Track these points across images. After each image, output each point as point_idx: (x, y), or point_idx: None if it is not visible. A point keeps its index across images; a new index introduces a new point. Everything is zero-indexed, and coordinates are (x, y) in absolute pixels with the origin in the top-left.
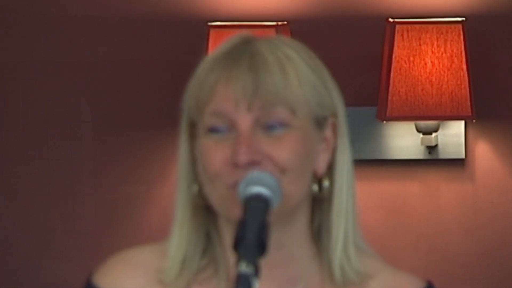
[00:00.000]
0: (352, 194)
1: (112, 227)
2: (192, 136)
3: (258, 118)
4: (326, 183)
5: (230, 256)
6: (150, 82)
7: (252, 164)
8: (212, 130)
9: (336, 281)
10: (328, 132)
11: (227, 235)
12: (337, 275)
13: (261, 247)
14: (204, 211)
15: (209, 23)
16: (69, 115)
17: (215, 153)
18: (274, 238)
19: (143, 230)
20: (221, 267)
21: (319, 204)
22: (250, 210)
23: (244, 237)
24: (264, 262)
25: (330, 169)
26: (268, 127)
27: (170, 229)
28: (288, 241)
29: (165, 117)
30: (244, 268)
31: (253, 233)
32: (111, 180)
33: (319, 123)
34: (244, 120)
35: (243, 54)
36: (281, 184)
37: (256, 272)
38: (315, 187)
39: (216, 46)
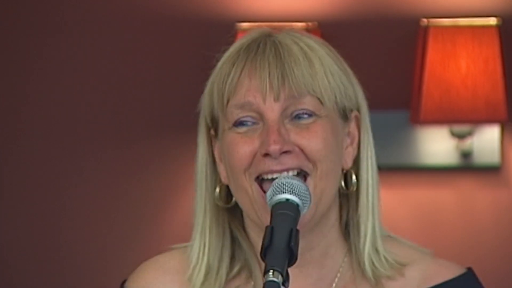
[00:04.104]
0: (377, 188)
1: (136, 231)
2: (211, 136)
3: (286, 108)
4: (354, 178)
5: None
6: (176, 85)
7: (283, 153)
8: (238, 123)
9: (367, 277)
10: (352, 126)
11: (258, 239)
12: (368, 271)
13: (290, 255)
14: (228, 215)
15: (238, 23)
16: (89, 119)
17: (242, 145)
18: (307, 239)
19: (166, 235)
20: (256, 273)
21: (345, 199)
22: (278, 217)
23: (272, 245)
24: (298, 262)
25: (356, 164)
26: (295, 117)
27: (192, 235)
28: (320, 240)
29: (188, 121)
30: (272, 277)
31: (281, 241)
32: (134, 185)
33: (344, 115)
34: (272, 111)
35: (266, 46)
36: (314, 180)
37: (284, 281)
38: (341, 183)
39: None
